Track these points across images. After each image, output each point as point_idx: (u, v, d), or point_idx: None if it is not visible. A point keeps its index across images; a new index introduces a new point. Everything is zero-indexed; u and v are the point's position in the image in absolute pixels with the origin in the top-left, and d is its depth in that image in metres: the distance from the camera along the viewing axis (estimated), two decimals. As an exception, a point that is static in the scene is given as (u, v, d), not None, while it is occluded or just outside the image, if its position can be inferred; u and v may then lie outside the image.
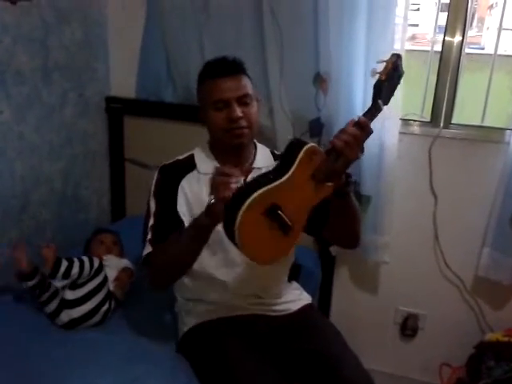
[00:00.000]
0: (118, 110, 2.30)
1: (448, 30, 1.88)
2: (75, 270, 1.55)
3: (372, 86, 1.21)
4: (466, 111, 2.11)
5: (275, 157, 1.56)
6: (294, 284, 1.65)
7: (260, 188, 1.13)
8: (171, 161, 1.52)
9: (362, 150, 1.23)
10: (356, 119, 1.19)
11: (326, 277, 2.18)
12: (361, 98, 1.89)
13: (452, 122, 1.98)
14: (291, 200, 1.17)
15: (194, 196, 1.44)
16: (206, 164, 1.47)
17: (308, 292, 1.87)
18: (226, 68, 1.40)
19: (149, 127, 2.29)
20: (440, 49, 1.92)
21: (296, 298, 1.58)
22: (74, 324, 1.57)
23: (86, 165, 2.25)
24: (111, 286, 1.69)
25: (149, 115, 2.28)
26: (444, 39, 1.89)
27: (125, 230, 1.97)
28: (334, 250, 2.07)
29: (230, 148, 1.44)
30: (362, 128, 1.18)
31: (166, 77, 2.20)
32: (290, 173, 1.17)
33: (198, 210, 1.32)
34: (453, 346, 2.14)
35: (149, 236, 1.42)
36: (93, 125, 2.25)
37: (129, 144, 2.35)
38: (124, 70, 2.28)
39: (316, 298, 2.13)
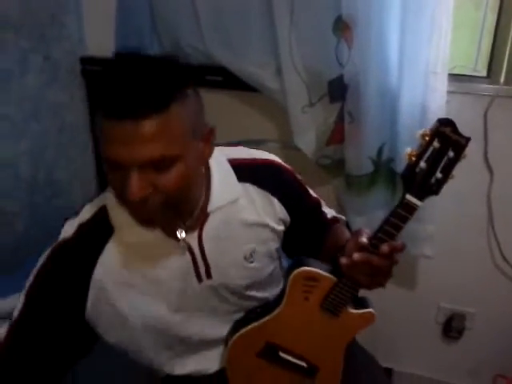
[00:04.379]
0: (96, 72, 1.89)
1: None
2: None
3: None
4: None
5: (241, 173, 0.99)
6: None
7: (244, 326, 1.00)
8: (70, 233, 0.90)
9: (389, 274, 0.93)
10: (382, 248, 0.86)
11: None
12: (396, 50, 1.45)
13: (516, 76, 1.53)
14: (301, 338, 0.99)
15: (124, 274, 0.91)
16: (132, 224, 0.86)
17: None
18: (131, 101, 0.72)
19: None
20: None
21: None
22: None
23: (60, 141, 1.87)
24: None
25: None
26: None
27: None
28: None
29: None
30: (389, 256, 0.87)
31: (150, 32, 1.78)
32: (280, 308, 0.98)
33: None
34: (508, 351, 1.78)
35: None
36: (66, 93, 1.86)
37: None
38: (100, 24, 1.85)
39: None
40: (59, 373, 0.94)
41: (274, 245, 1.05)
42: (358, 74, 1.46)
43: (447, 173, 0.85)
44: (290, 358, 1.00)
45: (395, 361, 1.96)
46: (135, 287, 0.91)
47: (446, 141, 0.83)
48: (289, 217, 1.05)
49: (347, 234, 1.13)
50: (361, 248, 0.88)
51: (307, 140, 1.60)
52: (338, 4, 1.44)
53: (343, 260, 0.89)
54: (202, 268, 0.95)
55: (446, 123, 0.83)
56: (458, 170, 1.59)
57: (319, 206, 1.17)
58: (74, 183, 1.98)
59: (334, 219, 1.19)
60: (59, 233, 0.92)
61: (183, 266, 0.94)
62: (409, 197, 0.85)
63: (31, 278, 0.90)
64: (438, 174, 0.84)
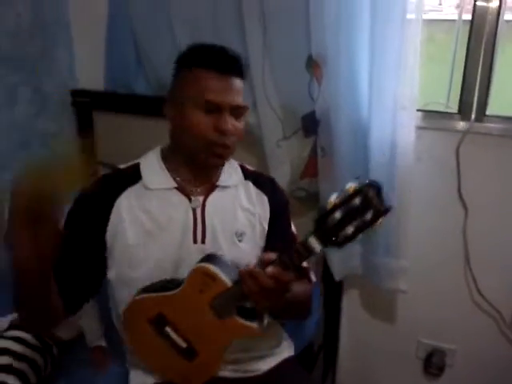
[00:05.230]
0: (85, 104, 1.97)
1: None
2: None
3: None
4: (506, 99, 1.64)
5: (246, 174, 1.21)
6: (273, 328, 1.27)
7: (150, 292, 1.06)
8: (108, 173, 1.17)
9: (269, 299, 0.95)
10: (268, 269, 0.92)
11: (332, 304, 1.81)
12: (366, 86, 1.48)
13: (486, 113, 1.54)
14: (189, 322, 1.04)
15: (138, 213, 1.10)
16: (156, 177, 1.13)
17: (304, 329, 1.52)
18: (232, 64, 1.06)
19: (122, 124, 1.96)
20: (470, 17, 1.47)
21: (270, 351, 1.22)
22: None
23: (49, 171, 1.93)
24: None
25: (121, 110, 1.94)
26: (475, 4, 1.44)
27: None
28: (337, 273, 1.68)
29: (197, 163, 1.10)
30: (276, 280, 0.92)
31: (136, 67, 1.85)
32: (179, 290, 1.02)
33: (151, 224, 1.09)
34: (489, 389, 1.74)
35: None
36: (56, 124, 1.93)
37: (100, 144, 2.03)
38: (91, 59, 1.94)
39: (320, 330, 1.78)
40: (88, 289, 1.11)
41: (260, 241, 1.17)
42: (329, 110, 1.49)
43: (357, 232, 0.86)
44: (173, 334, 1.05)
45: (376, 396, 1.93)
46: (144, 226, 1.08)
47: (367, 202, 0.84)
48: (268, 220, 1.18)
49: (304, 288, 1.16)
50: (260, 262, 0.95)
51: (282, 173, 1.62)
52: (309, 42, 1.48)
53: (241, 268, 0.97)
54: (199, 231, 1.10)
55: (373, 185, 0.85)
56: (431, 206, 1.62)
57: (295, 241, 1.21)
58: (64, 210, 2.03)
59: (305, 269, 1.21)
60: None
61: (185, 222, 1.10)
62: (311, 239, 0.88)
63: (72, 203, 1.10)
64: (349, 230, 0.85)
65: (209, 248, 1.10)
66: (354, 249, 1.67)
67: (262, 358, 1.20)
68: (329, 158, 1.55)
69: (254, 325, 1.00)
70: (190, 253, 1.09)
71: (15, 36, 1.70)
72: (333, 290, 1.79)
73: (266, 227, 1.19)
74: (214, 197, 1.14)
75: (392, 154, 1.48)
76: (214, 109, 1.03)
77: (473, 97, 1.52)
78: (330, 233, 0.86)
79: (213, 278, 0.99)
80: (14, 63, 1.72)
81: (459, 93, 1.54)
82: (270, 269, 0.91)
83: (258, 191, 1.20)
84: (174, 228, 1.10)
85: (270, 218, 1.19)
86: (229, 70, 1.04)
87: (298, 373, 1.23)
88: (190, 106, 1.05)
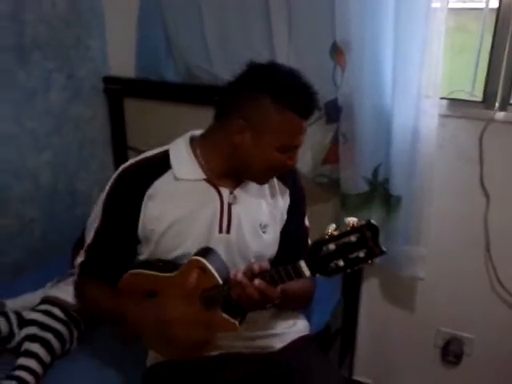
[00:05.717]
0: (117, 91, 2.04)
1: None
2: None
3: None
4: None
5: None
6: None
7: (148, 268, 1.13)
8: (133, 162, 1.17)
9: (253, 306, 1.02)
10: (256, 282, 0.97)
11: (351, 291, 1.84)
12: (390, 73, 1.49)
13: (511, 102, 1.53)
14: (177, 305, 1.07)
15: (168, 203, 1.13)
16: (186, 167, 1.14)
17: (321, 314, 1.56)
18: (312, 110, 1.09)
19: (151, 110, 2.02)
20: (497, 5, 1.46)
21: (286, 330, 1.26)
22: None
23: (82, 154, 2.02)
24: None
25: (151, 97, 2.01)
26: (502, -8, 1.44)
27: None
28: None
29: (243, 176, 1.16)
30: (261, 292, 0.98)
31: (166, 55, 1.90)
32: (173, 274, 1.09)
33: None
34: (507, 378, 1.74)
35: (81, 258, 1.21)
36: (89, 109, 2.01)
37: (131, 129, 2.10)
38: (122, 47, 1.99)
39: (339, 316, 1.81)
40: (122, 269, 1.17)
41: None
42: (352, 96, 1.51)
43: (348, 267, 0.89)
44: None
45: (394, 383, 1.95)
46: (174, 216, 1.11)
47: (363, 242, 0.87)
48: (286, 215, 1.23)
49: (306, 286, 1.21)
50: (249, 270, 1.00)
51: (303, 159, 1.64)
52: (334, 30, 1.51)
53: (233, 271, 1.04)
54: (224, 221, 1.14)
55: (370, 227, 0.87)
56: (453, 193, 1.62)
57: (307, 233, 1.29)
58: (94, 194, 2.11)
59: None
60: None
61: (213, 212, 1.14)
62: (302, 263, 0.93)
63: (104, 195, 1.17)
64: (340, 262, 0.89)
65: (234, 238, 1.15)
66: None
67: (277, 335, 1.23)
68: (350, 145, 1.58)
69: (236, 322, 1.05)
70: (215, 242, 1.13)
71: (51, 24, 1.77)
72: (352, 276, 1.82)
73: (286, 217, 1.23)
74: (241, 189, 1.17)
75: (414, 140, 1.50)
76: (290, 149, 1.09)
77: (497, 86, 1.51)
78: (321, 262, 0.91)
79: (205, 271, 1.04)
80: (49, 50, 1.79)
81: (484, 81, 1.54)
82: (257, 281, 0.97)
83: (281, 184, 1.23)
84: (202, 218, 1.13)
85: (289, 207, 1.23)
86: (309, 115, 1.09)
87: (313, 349, 1.26)
88: (268, 142, 1.06)
